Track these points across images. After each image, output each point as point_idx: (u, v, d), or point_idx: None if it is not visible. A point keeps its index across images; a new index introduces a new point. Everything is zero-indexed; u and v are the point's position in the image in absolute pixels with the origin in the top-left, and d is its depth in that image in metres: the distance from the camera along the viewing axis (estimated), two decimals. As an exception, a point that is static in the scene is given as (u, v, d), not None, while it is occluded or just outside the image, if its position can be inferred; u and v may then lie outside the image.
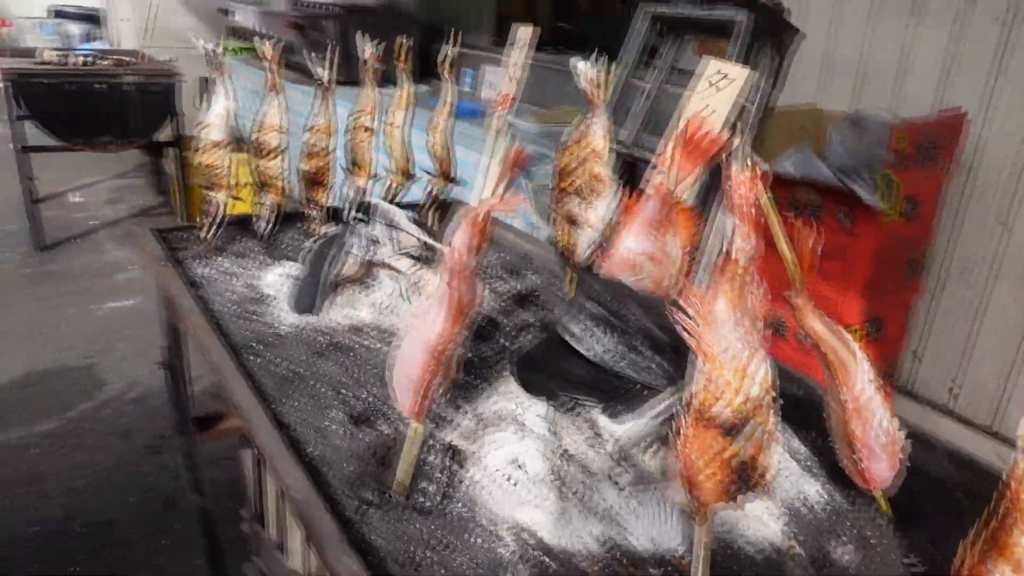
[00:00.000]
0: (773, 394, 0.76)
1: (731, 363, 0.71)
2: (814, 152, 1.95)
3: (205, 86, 5.56)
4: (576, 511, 0.91)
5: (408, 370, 0.88)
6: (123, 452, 2.80)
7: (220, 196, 1.74)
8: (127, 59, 4.73)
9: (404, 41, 1.97)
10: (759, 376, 0.73)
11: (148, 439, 2.87)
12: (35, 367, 3.36)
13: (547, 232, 2.61)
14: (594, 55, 1.47)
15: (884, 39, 2.34)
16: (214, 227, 1.75)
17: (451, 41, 1.96)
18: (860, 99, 2.40)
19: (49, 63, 4.45)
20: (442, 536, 0.90)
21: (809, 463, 1.10)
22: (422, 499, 0.96)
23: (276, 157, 1.79)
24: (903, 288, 2.21)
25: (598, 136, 1.49)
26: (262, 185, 1.82)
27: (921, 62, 2.26)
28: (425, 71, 3.77)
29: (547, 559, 0.87)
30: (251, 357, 1.28)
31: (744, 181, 0.70)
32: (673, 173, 1.10)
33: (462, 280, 0.84)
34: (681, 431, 0.73)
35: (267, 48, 1.76)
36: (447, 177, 2.04)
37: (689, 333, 0.72)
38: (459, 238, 0.84)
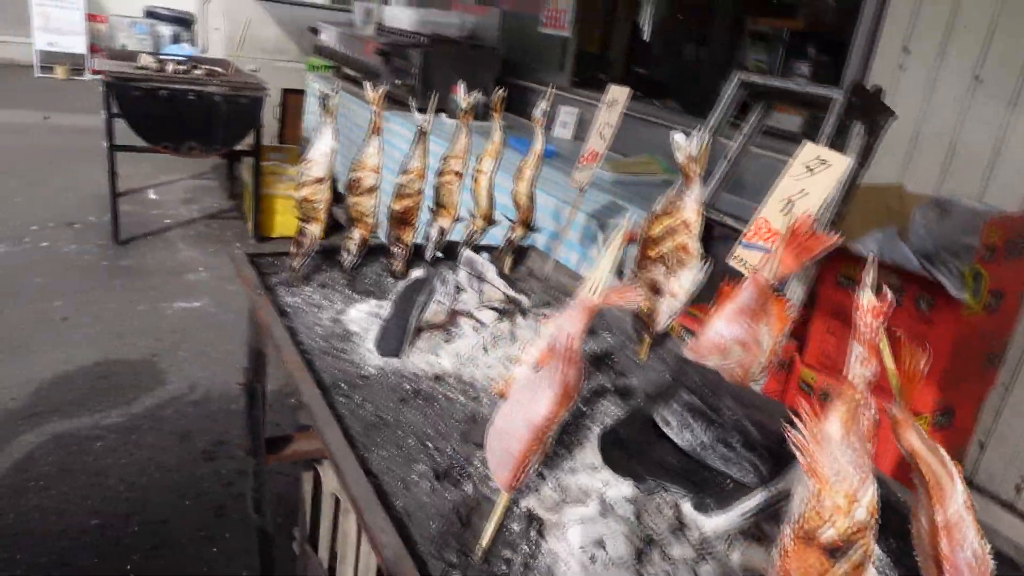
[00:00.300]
0: (876, 517, 0.76)
1: (842, 487, 0.72)
2: (899, 235, 1.93)
3: (285, 99, 5.74)
4: (657, 600, 0.92)
5: (509, 445, 0.91)
6: (181, 454, 2.88)
7: (314, 229, 1.81)
8: (218, 69, 4.93)
9: (500, 92, 2.02)
10: (866, 500, 0.74)
11: (205, 444, 2.95)
12: (105, 359, 3.50)
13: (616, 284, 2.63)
14: (706, 134, 1.49)
15: (977, 123, 2.31)
16: (304, 257, 1.82)
17: (546, 96, 2.01)
18: (946, 182, 2.37)
19: (147, 68, 4.68)
20: (523, 609, 0.92)
21: (886, 569, 1.09)
22: (504, 567, 0.98)
23: (370, 195, 1.85)
24: (978, 379, 2.16)
25: (690, 209, 1.51)
26: (352, 220, 1.89)
27: (1016, 151, 2.23)
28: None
29: (627, 647, 0.88)
30: (339, 398, 1.33)
31: (872, 310, 0.72)
32: (774, 267, 1.11)
33: (572, 366, 0.87)
34: (784, 546, 0.74)
35: (371, 92, 1.83)
36: (527, 225, 2.08)
37: (802, 452, 0.73)
38: (573, 325, 0.87)
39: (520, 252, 2.18)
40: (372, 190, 1.86)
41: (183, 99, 4.37)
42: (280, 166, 5.43)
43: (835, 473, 0.72)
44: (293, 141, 6.47)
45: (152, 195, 6.12)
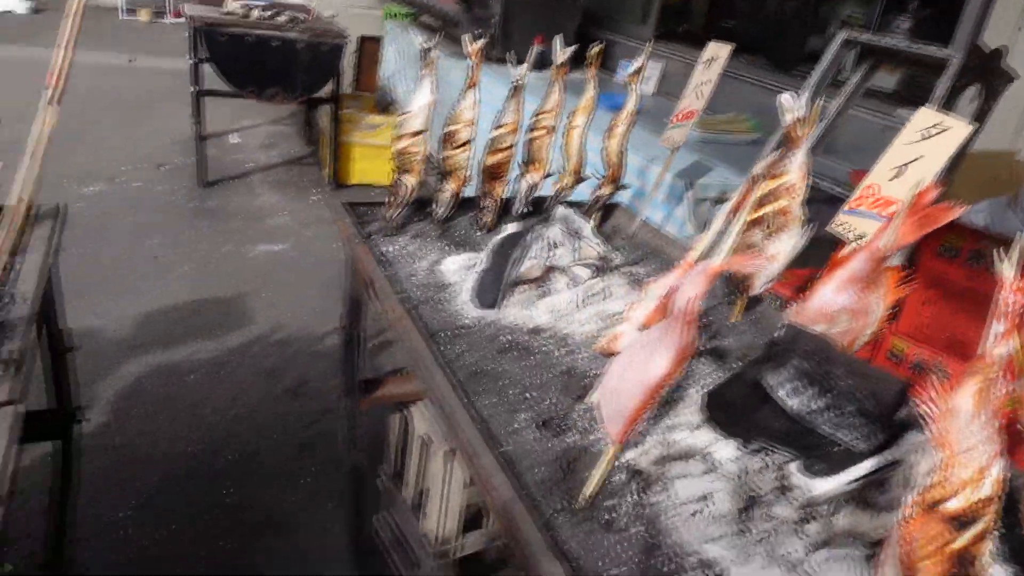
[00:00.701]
0: (1001, 493, 0.77)
1: (971, 463, 0.72)
2: (1010, 206, 1.86)
3: (362, 46, 5.74)
4: (761, 556, 0.95)
5: (623, 401, 0.93)
6: (267, 391, 3.03)
7: (410, 179, 1.85)
8: (300, 16, 4.98)
9: (596, 47, 2.00)
10: (994, 475, 0.74)
11: (290, 383, 3.09)
12: (195, 297, 3.67)
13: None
14: (808, 95, 1.46)
15: (1102, 89, 2.17)
16: (400, 208, 1.86)
17: (643, 54, 1.98)
18: (1063, 150, 2.25)
19: (233, 13, 4.76)
20: (628, 556, 0.96)
21: (998, 549, 1.08)
22: (607, 516, 1.03)
23: (464, 149, 1.87)
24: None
25: (795, 174, 1.48)
26: (446, 173, 1.92)
27: None
28: (581, 58, 3.82)
29: (731, 598, 0.91)
30: (441, 347, 1.38)
31: (1018, 287, 0.71)
32: (892, 237, 1.09)
33: (691, 327, 0.89)
34: (906, 514, 0.75)
35: (470, 45, 1.83)
36: (616, 183, 2.07)
37: (931, 424, 0.74)
38: (695, 288, 0.88)
39: (606, 209, 2.18)
40: (467, 144, 1.88)
41: (268, 45, 4.45)
42: (357, 114, 5.49)
43: (965, 447, 0.73)
44: (369, 89, 6.51)
45: (232, 139, 6.29)
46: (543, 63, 2.02)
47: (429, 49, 1.76)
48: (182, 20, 10.92)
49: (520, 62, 1.88)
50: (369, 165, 5.37)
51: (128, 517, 2.30)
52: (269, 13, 4.79)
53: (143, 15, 11.37)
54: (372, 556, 2.30)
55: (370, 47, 6.53)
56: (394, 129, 1.84)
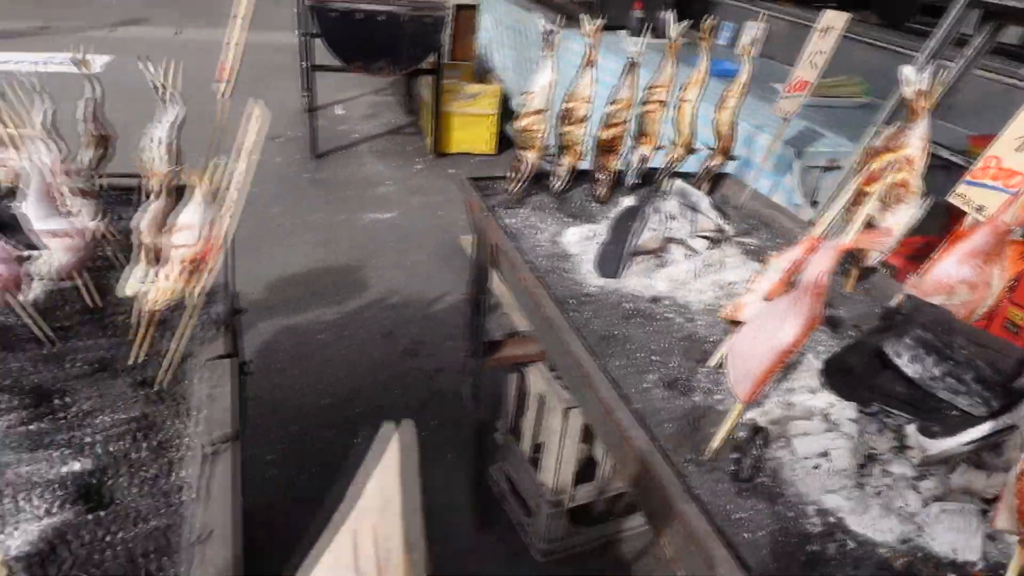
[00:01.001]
0: (1118, 454, 0.83)
1: (1089, 424, 0.79)
2: None
3: (458, 15, 5.81)
4: (878, 507, 1.04)
5: (751, 365, 1.04)
6: (386, 350, 3.27)
7: (531, 155, 1.97)
8: (403, -10, 5.14)
9: (709, 20, 2.04)
10: (1110, 437, 0.81)
11: (406, 343, 3.32)
12: (316, 264, 3.95)
13: (811, 215, 2.62)
14: (931, 66, 1.48)
15: None
16: (521, 182, 1.99)
17: (759, 21, 2.01)
18: None
19: (341, -9, 4.97)
20: (753, 503, 1.08)
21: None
22: (732, 467, 1.14)
23: (581, 125, 1.98)
24: None
25: (916, 146, 1.52)
26: (563, 148, 2.03)
27: None
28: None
29: (850, 542, 1.02)
30: (570, 313, 1.51)
31: None
32: (1017, 212, 1.13)
33: (820, 299, 0.98)
34: (1022, 471, 0.83)
35: (587, 25, 1.92)
36: (726, 154, 2.13)
37: (1050, 390, 0.81)
38: (824, 263, 0.97)
39: (715, 179, 2.24)
40: (584, 120, 1.98)
41: (375, 20, 4.63)
42: (456, 83, 5.63)
43: (1083, 411, 0.80)
44: (465, 58, 6.63)
45: (339, 111, 6.57)
46: (643, 28, 2.08)
47: (552, 32, 1.86)
48: (282, -6, 11.28)
49: (621, 28, 1.94)
50: (467, 134, 5.53)
51: (273, 461, 2.58)
52: (374, -12, 4.96)
53: (247, -10, 11.83)
54: (489, 503, 2.50)
55: (466, 16, 6.63)
56: (517, 108, 1.96)
